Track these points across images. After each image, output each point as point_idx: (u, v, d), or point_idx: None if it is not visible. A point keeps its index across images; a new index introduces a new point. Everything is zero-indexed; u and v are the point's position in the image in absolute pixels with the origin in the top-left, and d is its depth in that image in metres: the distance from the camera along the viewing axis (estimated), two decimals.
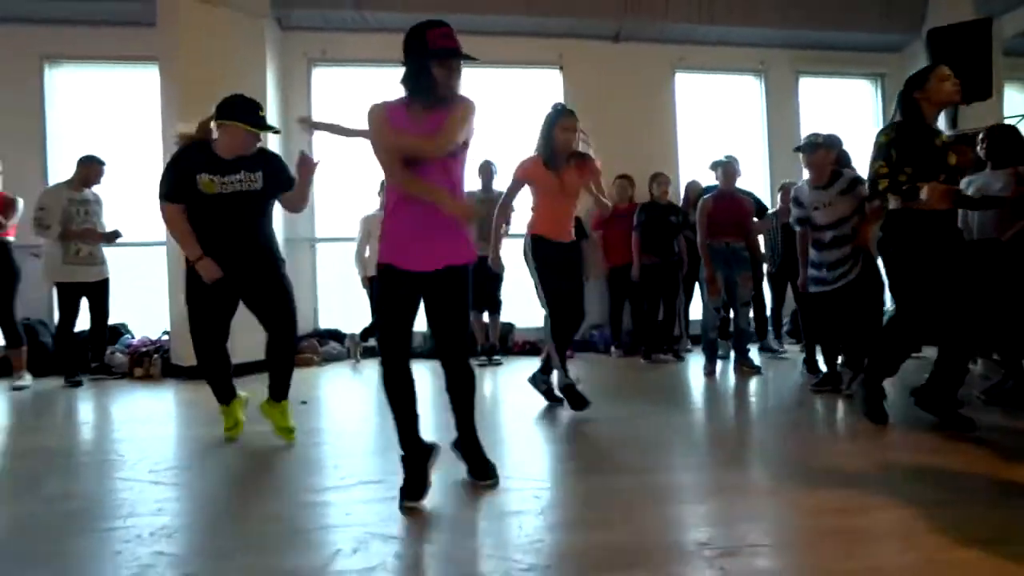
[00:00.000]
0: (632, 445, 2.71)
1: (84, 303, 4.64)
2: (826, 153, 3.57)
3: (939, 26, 5.57)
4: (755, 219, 5.04)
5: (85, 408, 3.97)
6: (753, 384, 4.14)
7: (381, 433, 3.03)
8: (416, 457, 2.03)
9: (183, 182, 2.67)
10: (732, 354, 4.61)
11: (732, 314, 4.57)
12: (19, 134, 5.30)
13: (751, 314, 4.78)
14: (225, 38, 4.79)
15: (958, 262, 2.77)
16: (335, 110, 5.75)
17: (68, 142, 5.44)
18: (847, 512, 1.84)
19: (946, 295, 2.73)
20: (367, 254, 5.34)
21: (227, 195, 2.69)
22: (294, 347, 2.97)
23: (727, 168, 4.50)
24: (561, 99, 5.92)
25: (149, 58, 5.08)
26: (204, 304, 2.77)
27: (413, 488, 1.97)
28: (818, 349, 4.19)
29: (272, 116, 5.15)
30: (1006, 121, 5.81)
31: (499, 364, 5.10)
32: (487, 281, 5.13)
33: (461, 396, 2.14)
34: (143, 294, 5.16)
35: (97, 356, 4.75)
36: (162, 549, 1.69)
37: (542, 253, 3.22)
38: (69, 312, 4.56)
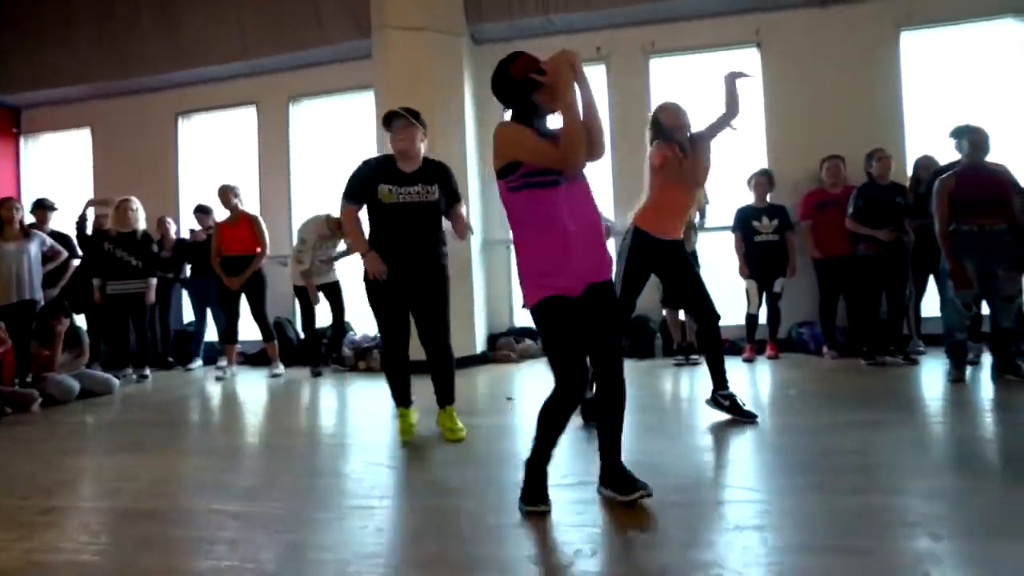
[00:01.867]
0: (856, 460, 2.37)
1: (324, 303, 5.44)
2: None
3: None
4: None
5: (327, 395, 4.62)
6: (1017, 395, 3.39)
7: (582, 434, 3.05)
8: (545, 469, 2.02)
9: (365, 188, 2.91)
10: (989, 359, 3.84)
11: (989, 310, 3.80)
12: (272, 162, 6.37)
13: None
14: (427, 59, 5.24)
15: None
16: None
17: (308, 169, 6.42)
18: None
19: None
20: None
21: (406, 204, 2.87)
22: (450, 348, 3.03)
23: (974, 136, 3.73)
24: (760, 80, 5.54)
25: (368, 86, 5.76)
26: (383, 307, 2.94)
27: (542, 491, 1.99)
28: None
29: (470, 127, 5.56)
30: None
31: (696, 364, 4.85)
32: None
33: (612, 415, 2.02)
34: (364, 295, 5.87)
35: (333, 349, 5.51)
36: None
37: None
38: (307, 309, 5.39)
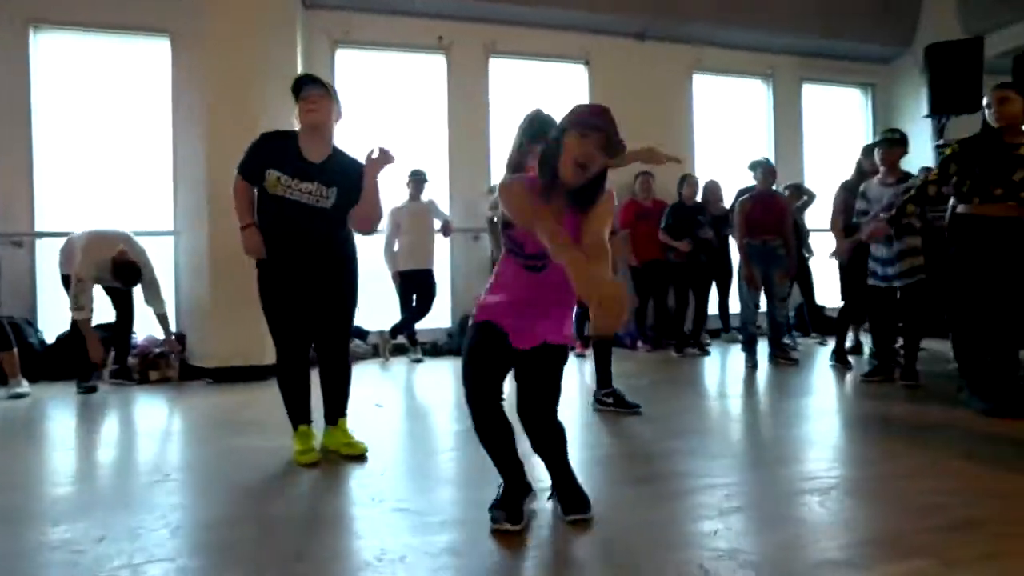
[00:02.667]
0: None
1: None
2: (902, 151, 3.76)
3: (936, 42, 5.97)
4: None
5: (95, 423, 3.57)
6: (798, 374, 4.30)
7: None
8: (518, 490, 1.86)
9: (256, 169, 2.42)
10: (768, 347, 4.79)
11: (767, 308, 4.73)
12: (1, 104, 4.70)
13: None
14: (255, 16, 4.42)
15: (1013, 264, 2.99)
16: (358, 94, 5.49)
17: (55, 115, 4.87)
18: None
19: (1000, 293, 2.99)
20: (396, 247, 5.15)
21: (291, 201, 2.41)
22: (348, 360, 2.66)
23: (766, 168, 4.65)
24: (587, 94, 6.02)
25: (156, 30, 4.64)
26: (277, 304, 2.49)
27: (512, 509, 1.80)
28: (849, 340, 4.49)
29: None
30: None
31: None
32: None
33: (552, 453, 1.90)
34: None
35: (119, 359, 4.31)
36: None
37: None
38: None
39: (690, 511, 1.93)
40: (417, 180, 5.16)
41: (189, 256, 4.62)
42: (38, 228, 4.70)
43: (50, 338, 4.58)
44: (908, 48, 6.49)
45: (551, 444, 1.90)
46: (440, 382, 4.36)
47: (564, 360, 1.86)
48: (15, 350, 4.01)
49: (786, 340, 5.56)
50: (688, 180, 5.44)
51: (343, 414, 2.64)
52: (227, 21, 4.31)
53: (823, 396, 3.74)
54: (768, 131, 6.64)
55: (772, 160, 6.46)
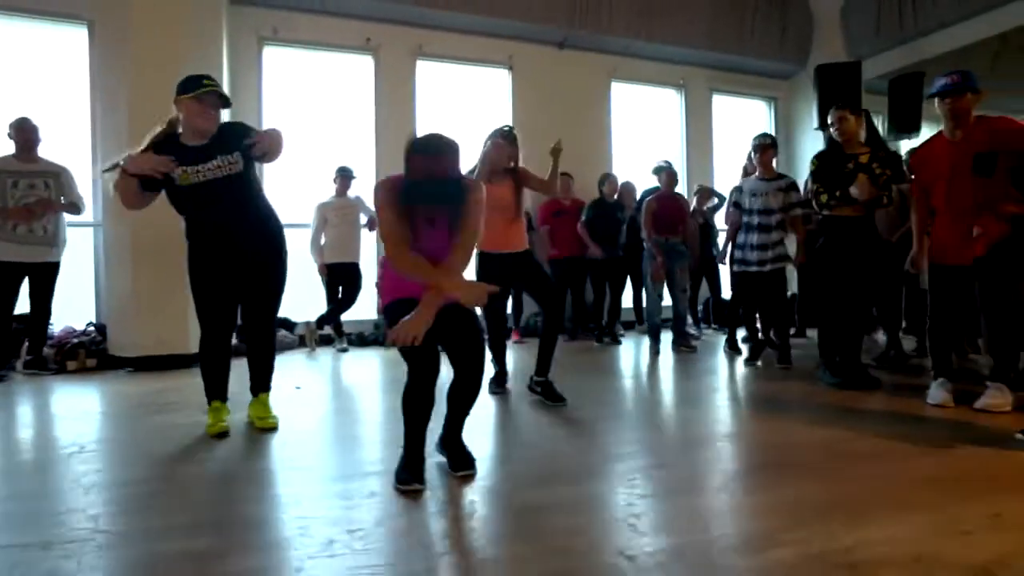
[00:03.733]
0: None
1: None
2: (772, 152, 4.28)
3: (824, 63, 6.64)
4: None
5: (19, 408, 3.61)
6: (693, 360, 4.76)
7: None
8: (419, 456, 2.06)
9: (155, 181, 2.51)
10: (671, 335, 5.24)
11: (671, 300, 5.18)
12: None
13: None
14: (180, 9, 4.50)
15: (865, 256, 3.52)
16: (285, 92, 5.60)
17: None
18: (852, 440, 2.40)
19: (847, 282, 3.51)
20: (322, 241, 5.30)
21: (206, 183, 2.55)
22: (273, 333, 2.85)
23: (669, 172, 5.11)
24: (509, 97, 6.34)
25: (74, 17, 4.63)
26: (205, 286, 2.64)
27: (418, 471, 2.01)
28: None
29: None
30: None
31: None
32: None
33: (464, 403, 2.16)
34: (63, 280, 4.65)
35: (33, 349, 4.27)
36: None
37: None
38: (2, 295, 4.07)
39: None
40: (344, 176, 5.33)
41: (110, 247, 4.63)
42: None
43: None
44: (804, 67, 7.15)
45: (466, 392, 2.11)
46: (364, 370, 4.56)
47: (467, 311, 2.08)
48: None
49: (691, 330, 6.09)
50: (608, 179, 5.84)
51: (266, 389, 2.83)
52: (150, 11, 4.37)
53: (709, 377, 4.19)
54: (681, 137, 7.16)
55: (684, 164, 7.03)
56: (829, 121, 3.63)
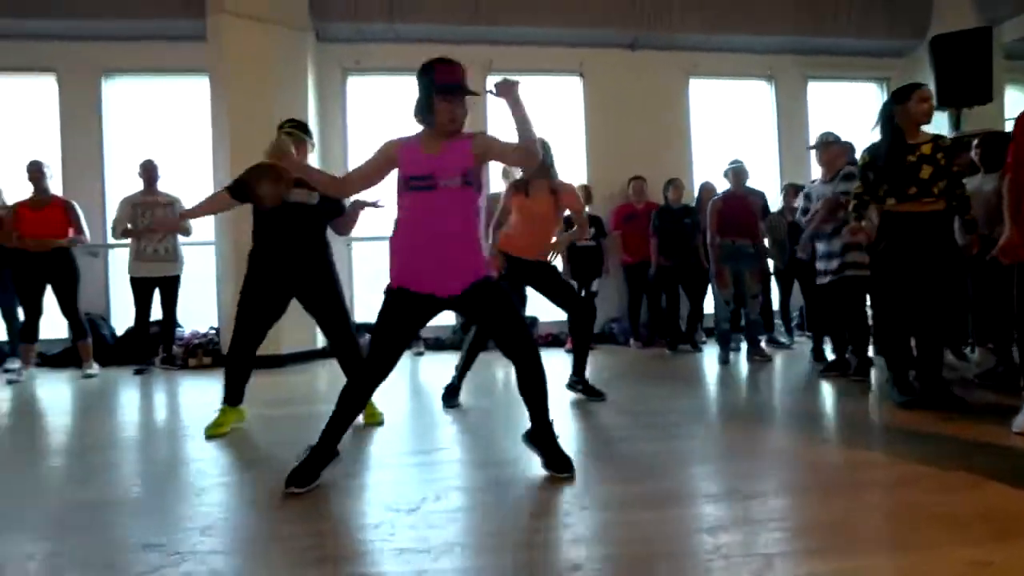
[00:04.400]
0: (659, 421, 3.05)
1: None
2: (838, 151, 3.90)
3: (942, 33, 5.84)
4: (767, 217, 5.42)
5: (152, 394, 4.35)
6: (766, 371, 4.45)
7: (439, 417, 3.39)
8: (327, 455, 2.14)
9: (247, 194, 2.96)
10: (744, 344, 4.94)
11: (743, 307, 4.89)
12: (80, 142, 5.71)
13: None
14: (268, 51, 5.17)
15: (936, 259, 3.08)
16: (367, 116, 6.13)
17: (125, 150, 5.84)
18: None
19: (923, 288, 3.08)
20: None
21: (287, 205, 2.91)
22: (360, 348, 3.09)
23: (736, 171, 4.83)
24: (581, 104, 6.36)
25: (201, 70, 5.46)
26: (253, 304, 2.96)
27: (305, 476, 2.07)
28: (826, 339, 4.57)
29: (312, 123, 5.55)
30: (1007, 124, 6.10)
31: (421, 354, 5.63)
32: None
33: (532, 391, 2.19)
34: (193, 290, 5.51)
35: (165, 348, 5.16)
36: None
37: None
38: (140, 305, 4.97)
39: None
40: None
41: (221, 261, 5.38)
42: (109, 241, 5.66)
43: (119, 332, 5.53)
44: (922, 40, 6.33)
45: (529, 382, 2.16)
46: (439, 373, 4.84)
47: (501, 291, 2.14)
48: (89, 340, 4.93)
49: (782, 338, 5.68)
50: (674, 184, 5.64)
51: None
52: (249, 61, 5.09)
53: (766, 388, 3.93)
54: (773, 131, 6.67)
55: (778, 159, 6.56)
56: (911, 104, 3.09)
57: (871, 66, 6.77)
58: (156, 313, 5.07)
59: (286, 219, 2.95)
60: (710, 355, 5.16)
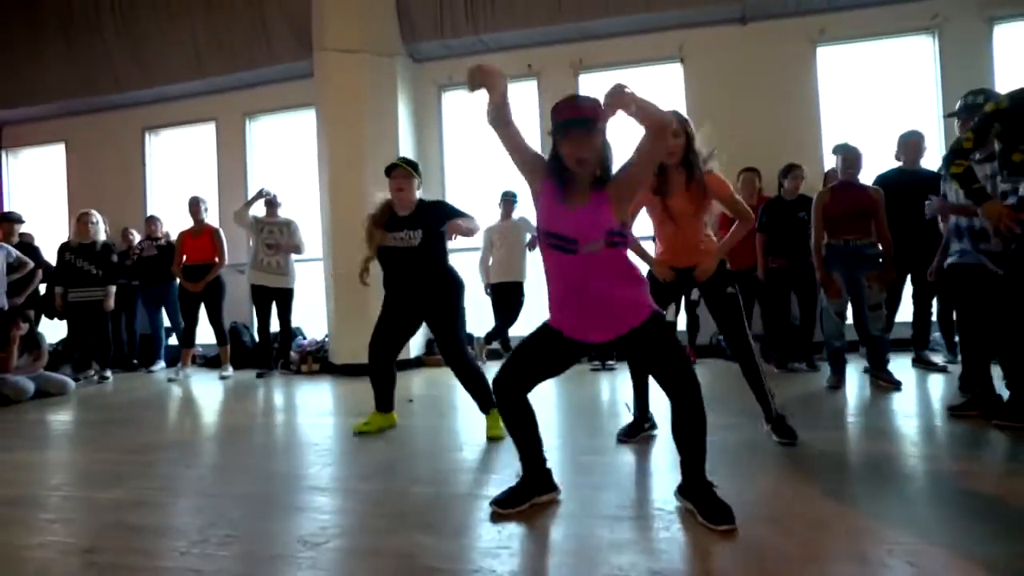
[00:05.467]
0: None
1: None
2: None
3: None
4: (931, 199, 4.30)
5: (260, 395, 4.94)
6: (882, 401, 3.56)
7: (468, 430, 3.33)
8: (531, 480, 2.09)
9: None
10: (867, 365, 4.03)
11: (861, 319, 3.98)
12: (231, 175, 6.74)
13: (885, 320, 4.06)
14: (364, 80, 5.56)
15: None
16: (463, 128, 6.26)
17: (263, 178, 6.77)
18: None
19: None
20: (490, 262, 5.74)
21: (391, 248, 3.17)
22: (468, 366, 3.18)
23: (847, 155, 3.92)
24: (682, 93, 5.76)
25: (306, 105, 6.08)
26: (384, 324, 3.26)
27: (509, 498, 2.04)
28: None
29: (407, 140, 5.85)
30: None
31: (612, 369, 5.13)
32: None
33: (684, 436, 1.96)
34: (310, 302, 6.16)
35: (282, 353, 5.83)
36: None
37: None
38: (259, 312, 5.72)
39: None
40: (507, 200, 5.68)
41: (329, 276, 5.90)
42: None
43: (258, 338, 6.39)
44: None
45: (682, 425, 1.93)
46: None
47: (661, 331, 1.94)
48: (228, 346, 5.80)
49: (936, 358, 4.54)
50: (793, 172, 4.79)
51: (491, 404, 3.13)
52: (346, 90, 5.53)
53: (865, 435, 3.11)
54: (936, 96, 5.34)
55: (942, 132, 5.26)
56: None
57: None
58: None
59: (391, 259, 3.21)
60: (820, 377, 4.31)
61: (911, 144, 4.49)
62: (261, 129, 6.91)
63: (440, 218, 3.18)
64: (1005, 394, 2.92)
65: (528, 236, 5.70)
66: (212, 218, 6.07)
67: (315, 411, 4.20)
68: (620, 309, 1.96)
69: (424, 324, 3.32)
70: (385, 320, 3.26)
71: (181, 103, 6.90)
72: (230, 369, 5.74)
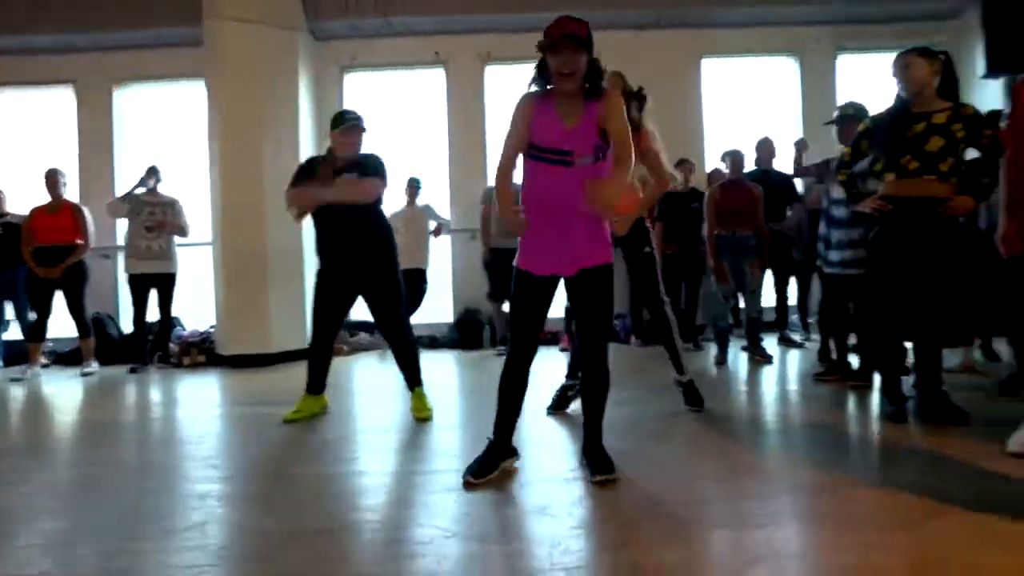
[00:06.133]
0: (637, 431, 2.76)
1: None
2: (855, 126, 3.45)
3: None
4: (794, 204, 4.91)
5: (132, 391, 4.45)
6: (759, 373, 4.03)
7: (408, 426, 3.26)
8: (499, 447, 2.16)
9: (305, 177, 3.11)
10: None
11: (743, 302, 4.47)
12: (94, 149, 5.99)
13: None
14: (262, 53, 5.18)
15: (938, 250, 2.63)
16: (365, 112, 6.06)
17: (133, 153, 6.09)
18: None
19: (920, 283, 2.64)
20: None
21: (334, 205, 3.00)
22: (405, 338, 3.16)
23: (735, 158, 4.44)
24: None
25: (199, 75, 5.58)
26: (325, 297, 3.09)
27: (481, 468, 2.10)
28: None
29: (306, 121, 5.57)
30: None
31: None
32: (509, 274, 5.29)
33: (589, 396, 2.18)
34: (194, 290, 5.63)
35: (160, 345, 5.28)
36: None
37: None
38: (135, 302, 5.13)
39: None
40: (412, 186, 5.62)
41: (216, 262, 5.44)
42: (119, 243, 5.89)
43: (127, 330, 5.74)
44: (973, 1, 5.59)
45: (591, 383, 2.14)
46: (431, 370, 4.69)
47: (607, 283, 2.08)
48: (92, 339, 5.14)
49: (795, 335, 5.17)
50: (683, 166, 5.22)
51: (418, 383, 3.15)
52: (242, 63, 5.13)
53: (738, 393, 3.54)
54: (798, 110, 6.09)
55: (803, 137, 5.99)
56: (892, 72, 2.81)
57: (915, 32, 6.02)
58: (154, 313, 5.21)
59: (337, 214, 3.01)
60: (705, 356, 4.77)
61: (764, 148, 5.11)
62: (133, 98, 6.20)
63: (368, 169, 3.08)
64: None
65: (433, 224, 5.68)
66: (72, 194, 5.35)
67: (207, 403, 3.87)
68: (590, 237, 2.07)
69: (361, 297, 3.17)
70: (325, 293, 3.09)
71: (32, 59, 5.99)
72: (94, 364, 5.09)
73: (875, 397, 3.17)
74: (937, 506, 1.75)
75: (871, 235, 2.85)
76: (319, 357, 3.17)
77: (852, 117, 3.47)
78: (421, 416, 3.03)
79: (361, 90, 6.14)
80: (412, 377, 3.16)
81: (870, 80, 6.13)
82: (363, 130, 3.15)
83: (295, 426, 3.01)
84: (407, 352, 3.15)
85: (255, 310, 5.12)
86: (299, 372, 3.29)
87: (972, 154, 2.71)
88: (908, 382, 2.85)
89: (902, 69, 2.70)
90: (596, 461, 2.10)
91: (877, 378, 3.30)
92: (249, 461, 2.56)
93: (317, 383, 3.19)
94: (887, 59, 6.01)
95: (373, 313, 3.18)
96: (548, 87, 2.06)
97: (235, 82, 5.14)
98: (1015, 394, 2.99)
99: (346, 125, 3.10)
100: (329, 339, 3.18)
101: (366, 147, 3.19)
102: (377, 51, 5.94)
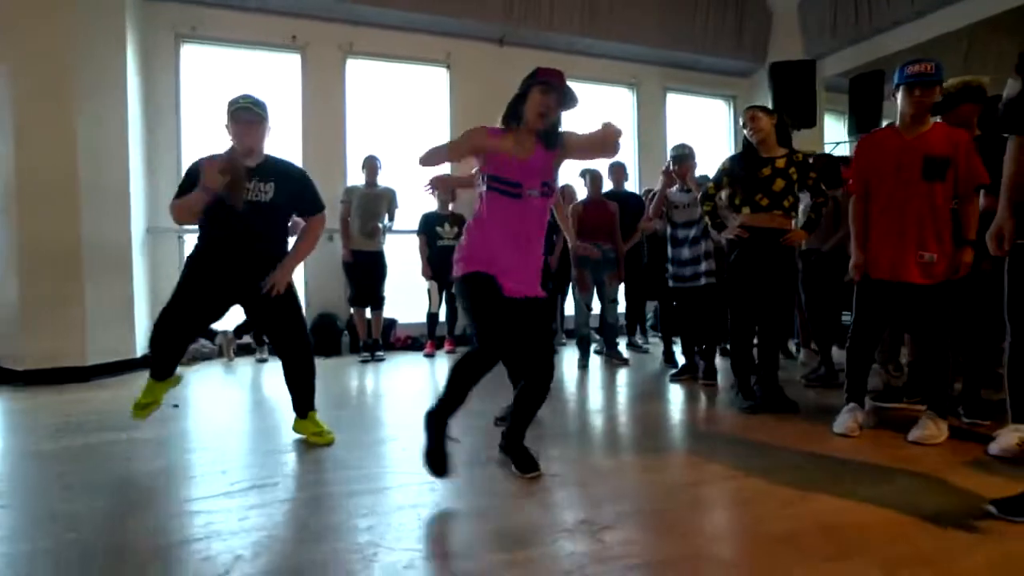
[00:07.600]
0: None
1: None
2: (689, 163, 4.09)
3: (778, 61, 6.38)
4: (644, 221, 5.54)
5: None
6: (620, 374, 4.54)
7: (262, 435, 2.98)
8: (442, 434, 2.17)
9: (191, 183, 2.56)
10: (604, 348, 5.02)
11: (600, 311, 4.95)
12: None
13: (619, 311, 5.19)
14: (77, 14, 4.28)
15: (781, 273, 3.31)
16: (204, 91, 5.39)
17: None
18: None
19: (767, 300, 3.29)
20: None
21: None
22: (308, 357, 2.78)
23: (594, 176, 4.88)
24: (447, 96, 6.12)
25: None
26: (191, 298, 2.59)
27: (441, 465, 2.15)
28: (676, 341, 4.76)
29: (133, 96, 4.76)
30: (826, 147, 6.83)
31: (381, 360, 5.14)
32: (370, 278, 5.15)
33: (526, 406, 2.29)
34: None
35: None
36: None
37: None
38: None
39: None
40: None
41: (7, 261, 4.41)
42: None
43: None
44: (762, 65, 6.88)
45: (531, 398, 2.25)
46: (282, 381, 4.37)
47: (550, 310, 2.12)
48: None
49: (638, 340, 5.87)
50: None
51: (312, 407, 2.80)
52: (49, 27, 4.16)
53: (606, 392, 3.98)
54: (633, 137, 6.90)
55: (636, 166, 6.78)
56: (741, 123, 3.41)
57: (722, 83, 7.25)
58: None
59: (234, 216, 2.56)
60: (571, 358, 5.20)
61: (617, 171, 5.73)
62: None
63: (302, 199, 2.73)
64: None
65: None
66: None
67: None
68: (535, 272, 2.24)
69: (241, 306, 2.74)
70: (194, 292, 2.58)
71: None
72: None
73: (723, 395, 3.80)
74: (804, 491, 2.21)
75: (732, 257, 3.43)
76: (168, 355, 2.68)
77: (687, 156, 4.11)
78: (325, 441, 2.73)
79: (200, 65, 5.41)
80: (306, 400, 2.80)
81: (692, 118, 7.23)
82: (261, 119, 2.63)
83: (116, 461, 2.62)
84: (309, 372, 2.79)
85: (63, 314, 4.26)
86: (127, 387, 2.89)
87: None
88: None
89: (751, 120, 3.31)
90: (521, 459, 2.31)
91: (721, 377, 4.02)
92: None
93: (164, 371, 2.74)
94: (701, 102, 7.27)
95: (267, 329, 2.84)
96: (509, 125, 2.22)
97: (37, 48, 4.14)
98: (828, 386, 3.84)
99: (234, 107, 2.59)
100: (181, 344, 2.69)
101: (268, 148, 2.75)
102: (222, 24, 5.30)
